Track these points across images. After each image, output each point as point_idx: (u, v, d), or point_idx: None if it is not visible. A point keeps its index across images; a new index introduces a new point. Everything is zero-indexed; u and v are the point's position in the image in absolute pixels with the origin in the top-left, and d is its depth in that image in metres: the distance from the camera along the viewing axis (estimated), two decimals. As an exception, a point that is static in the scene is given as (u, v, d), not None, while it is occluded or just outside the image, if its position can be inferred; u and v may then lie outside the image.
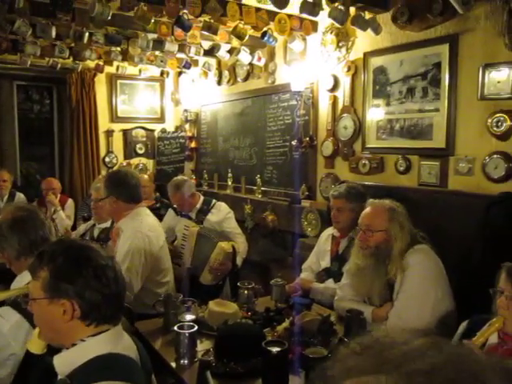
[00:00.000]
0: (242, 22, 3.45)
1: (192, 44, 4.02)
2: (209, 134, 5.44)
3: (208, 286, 3.56)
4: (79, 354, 1.27)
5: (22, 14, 3.24)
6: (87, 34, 3.52)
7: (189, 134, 5.70)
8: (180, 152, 5.75)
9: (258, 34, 3.74)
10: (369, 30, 3.23)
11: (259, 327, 2.26)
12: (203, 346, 2.25)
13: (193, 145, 5.66)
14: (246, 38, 3.55)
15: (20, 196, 4.68)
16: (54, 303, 1.28)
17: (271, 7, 3.29)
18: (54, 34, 3.42)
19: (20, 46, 3.97)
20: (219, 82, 5.09)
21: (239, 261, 3.63)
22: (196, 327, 2.14)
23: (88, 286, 1.30)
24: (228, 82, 4.94)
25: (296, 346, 2.11)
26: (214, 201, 3.97)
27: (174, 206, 3.98)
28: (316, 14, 2.99)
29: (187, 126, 5.74)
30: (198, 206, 3.86)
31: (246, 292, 2.75)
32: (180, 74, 5.65)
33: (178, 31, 3.69)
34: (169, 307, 2.47)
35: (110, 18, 2.95)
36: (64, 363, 1.29)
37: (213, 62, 5.03)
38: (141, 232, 2.77)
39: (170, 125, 5.94)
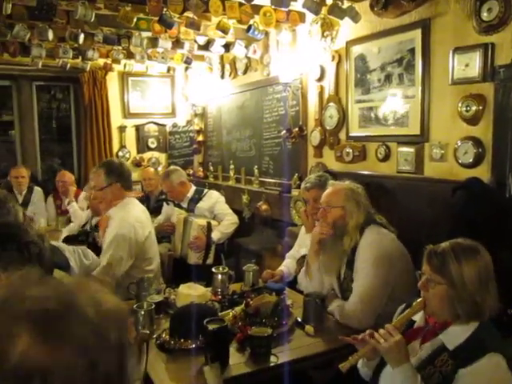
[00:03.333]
0: (226, 17, 3.55)
1: (186, 40, 4.15)
2: (214, 127, 5.58)
3: (202, 270, 3.69)
4: None
5: (19, 19, 3.47)
6: (82, 36, 3.73)
7: (196, 127, 5.86)
8: (189, 145, 5.93)
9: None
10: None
11: (213, 308, 2.37)
12: (167, 325, 2.39)
13: (200, 138, 5.82)
14: (231, 31, 3.64)
15: (37, 190, 4.99)
16: None
17: (255, 1, 3.37)
18: (51, 36, 3.64)
19: (27, 48, 4.24)
20: (222, 76, 5.21)
21: (216, 235, 3.78)
22: (153, 306, 2.29)
23: (11, 260, 1.45)
24: (230, 75, 5.06)
25: (246, 326, 2.22)
26: (206, 190, 4.13)
27: (163, 197, 4.18)
28: (287, 6, 3.05)
29: (196, 120, 5.91)
30: (189, 195, 4.02)
31: (219, 277, 2.87)
32: (187, 69, 5.80)
33: (174, 28, 3.83)
34: (140, 289, 2.64)
35: (92, 19, 3.12)
36: None
37: (215, 56, 5.15)
38: (128, 222, 2.93)
39: (181, 119, 6.13)
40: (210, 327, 1.95)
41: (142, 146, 5.95)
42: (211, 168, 5.54)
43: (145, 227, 3.02)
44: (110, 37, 3.84)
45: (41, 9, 3.03)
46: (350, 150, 3.48)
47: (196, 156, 6.00)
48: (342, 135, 3.61)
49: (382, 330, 1.71)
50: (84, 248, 2.61)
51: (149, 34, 4.01)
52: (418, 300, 1.76)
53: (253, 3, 3.50)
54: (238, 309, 2.44)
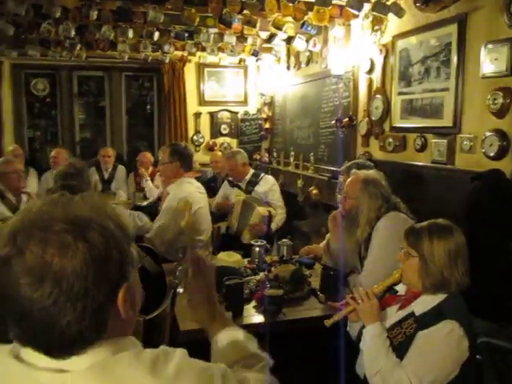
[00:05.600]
0: (281, 15, 3.87)
1: (249, 35, 4.53)
2: (280, 115, 5.93)
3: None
4: None
5: (106, 21, 4.08)
6: (157, 33, 4.27)
7: (264, 115, 6.25)
8: (258, 132, 6.35)
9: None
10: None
11: (239, 271, 2.76)
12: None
13: (267, 125, 6.21)
14: (285, 27, 3.95)
15: (121, 168, 5.70)
16: None
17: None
18: (131, 34, 4.22)
19: (115, 44, 4.89)
20: (288, 67, 5.53)
21: (274, 226, 4.12)
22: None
23: None
24: (294, 67, 5.36)
25: (264, 288, 2.59)
26: (262, 174, 4.49)
27: (230, 178, 4.58)
28: (328, 5, 3.29)
29: (265, 109, 6.29)
30: (248, 177, 4.41)
31: (257, 249, 3.25)
32: (257, 60, 6.18)
33: (235, 25, 4.23)
34: (186, 253, 3.10)
35: (162, 20, 3.61)
36: None
37: (282, 49, 5.47)
38: (178, 197, 3.41)
39: (252, 107, 6.55)
40: (227, 282, 2.35)
41: (215, 131, 6.47)
42: (275, 154, 5.92)
43: (195, 202, 3.45)
44: (180, 33, 4.35)
45: (120, 12, 3.58)
46: (392, 140, 3.66)
47: (263, 142, 6.40)
48: (386, 126, 3.79)
49: (361, 291, 1.98)
50: (140, 213, 3.14)
51: (216, 29, 4.45)
52: (396, 271, 2.00)
53: (306, 0, 3.80)
54: (262, 274, 2.82)
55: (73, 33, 4.06)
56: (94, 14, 3.57)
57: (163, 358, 0.85)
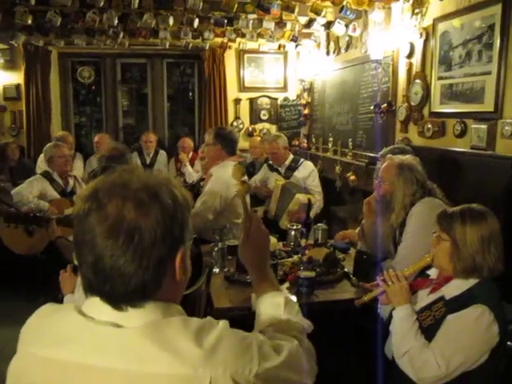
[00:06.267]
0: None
1: (288, 21, 4.53)
2: (319, 101, 5.91)
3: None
4: None
5: (148, 9, 4.19)
6: (197, 20, 4.34)
7: (303, 101, 6.24)
8: (297, 118, 6.36)
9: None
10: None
11: (273, 252, 2.82)
12: (238, 263, 2.90)
13: (306, 111, 6.20)
14: (323, 12, 3.93)
15: (162, 153, 5.87)
16: None
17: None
18: (171, 22, 4.31)
19: (157, 32, 5.01)
20: (327, 53, 5.49)
21: (312, 214, 4.14)
22: (225, 246, 2.83)
23: None
24: (334, 52, 5.32)
25: (297, 270, 2.64)
26: (302, 159, 4.52)
27: (270, 162, 4.62)
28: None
29: (305, 95, 6.29)
30: (287, 162, 4.44)
31: (292, 232, 3.30)
32: (297, 46, 6.16)
33: (274, 10, 4.25)
34: (223, 234, 3.20)
35: (201, 7, 3.67)
36: None
37: (322, 34, 5.43)
38: (222, 179, 3.47)
39: (291, 93, 6.56)
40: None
41: (255, 117, 6.53)
42: (314, 140, 5.92)
43: (235, 186, 3.53)
44: (219, 20, 4.41)
45: (161, 0, 3.68)
46: (431, 126, 3.60)
47: (302, 128, 6.41)
48: (425, 111, 3.73)
49: (392, 272, 2.01)
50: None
51: (254, 15, 4.48)
52: (427, 254, 2.01)
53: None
54: (296, 257, 2.88)
55: (116, 21, 4.19)
56: (136, 3, 3.68)
57: (208, 328, 0.92)
